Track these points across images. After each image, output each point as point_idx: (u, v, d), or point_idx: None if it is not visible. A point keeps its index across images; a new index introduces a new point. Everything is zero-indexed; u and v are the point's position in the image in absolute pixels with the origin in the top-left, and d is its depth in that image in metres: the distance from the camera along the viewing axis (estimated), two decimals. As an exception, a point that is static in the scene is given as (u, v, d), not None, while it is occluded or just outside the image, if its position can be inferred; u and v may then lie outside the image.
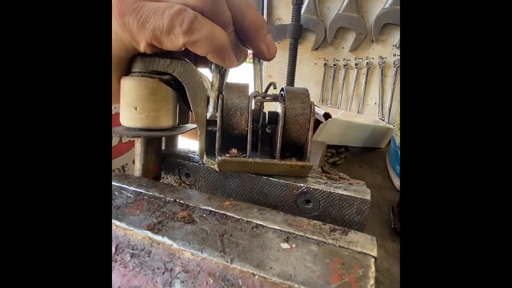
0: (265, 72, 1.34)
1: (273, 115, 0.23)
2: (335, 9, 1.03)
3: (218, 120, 0.19)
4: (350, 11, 0.99)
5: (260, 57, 0.21)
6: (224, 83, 0.21)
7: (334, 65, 1.12)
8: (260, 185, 0.22)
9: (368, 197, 0.19)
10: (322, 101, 1.22)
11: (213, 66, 0.20)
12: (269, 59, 0.21)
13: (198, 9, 0.17)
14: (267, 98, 0.21)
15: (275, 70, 1.27)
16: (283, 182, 0.21)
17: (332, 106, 1.19)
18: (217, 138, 0.19)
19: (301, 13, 1.02)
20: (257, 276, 0.13)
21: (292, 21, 1.01)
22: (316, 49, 1.12)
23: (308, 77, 1.22)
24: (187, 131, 0.22)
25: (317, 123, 0.74)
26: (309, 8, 1.06)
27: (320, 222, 0.16)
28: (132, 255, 0.16)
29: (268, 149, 0.26)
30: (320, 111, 0.78)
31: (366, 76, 1.06)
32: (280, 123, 0.19)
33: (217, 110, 0.19)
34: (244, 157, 0.19)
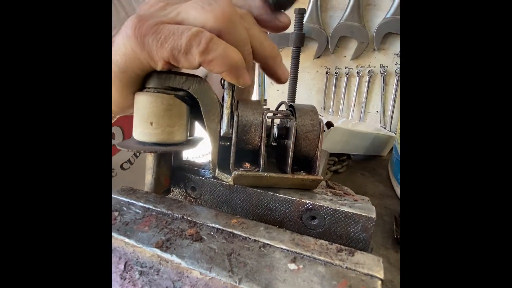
0: (267, 80, 1.35)
1: (283, 130, 0.24)
2: (337, 18, 1.04)
3: (233, 136, 0.19)
4: (352, 21, 1.00)
5: (276, 81, 0.23)
6: (235, 99, 0.21)
7: (336, 73, 1.13)
8: (266, 201, 0.22)
9: (374, 215, 0.20)
10: (324, 109, 1.23)
11: (226, 84, 0.20)
12: (283, 83, 0.23)
13: (215, 31, 0.18)
14: (278, 115, 0.21)
15: (277, 77, 1.28)
16: (288, 198, 0.21)
17: (333, 114, 1.20)
18: (232, 153, 0.20)
19: (304, 22, 1.03)
20: (265, 298, 0.13)
21: (294, 30, 1.02)
22: (318, 57, 1.13)
23: (310, 84, 1.23)
24: (197, 145, 0.23)
25: (319, 131, 0.75)
26: (311, 17, 1.07)
27: (327, 242, 0.17)
28: (141, 273, 0.16)
29: (274, 161, 0.26)
30: (323, 119, 0.78)
31: (368, 84, 1.07)
32: (292, 139, 0.20)
33: (231, 127, 0.20)
34: (258, 171, 0.20)
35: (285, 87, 1.17)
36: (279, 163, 0.24)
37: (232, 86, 0.20)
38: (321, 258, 0.15)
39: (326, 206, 0.21)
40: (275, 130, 0.24)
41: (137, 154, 0.50)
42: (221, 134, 0.20)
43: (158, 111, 0.19)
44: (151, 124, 0.19)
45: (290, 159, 0.20)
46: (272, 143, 0.26)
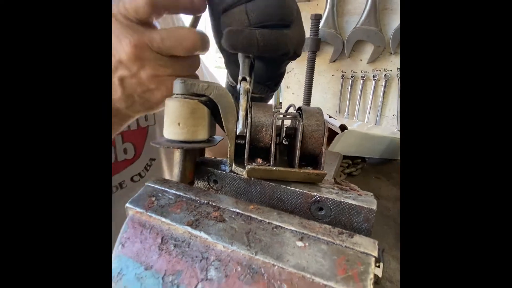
0: (283, 83, 1.38)
1: (291, 130, 0.27)
2: (353, 23, 1.06)
3: (247, 135, 0.22)
4: (368, 25, 1.01)
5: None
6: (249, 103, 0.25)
7: (352, 76, 1.14)
8: (279, 193, 0.25)
9: (374, 207, 0.22)
10: (339, 112, 1.24)
11: (241, 90, 0.23)
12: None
13: None
14: (287, 116, 0.24)
15: (293, 81, 1.30)
16: (299, 191, 0.24)
17: (349, 117, 1.21)
18: (246, 150, 0.23)
19: (320, 27, 1.05)
20: (276, 267, 0.16)
21: (310, 35, 1.04)
22: (334, 61, 1.14)
23: (326, 88, 1.24)
24: (217, 143, 0.26)
25: (333, 134, 0.76)
26: (327, 22, 1.09)
27: (330, 226, 0.19)
28: (175, 246, 0.20)
29: (286, 159, 0.29)
30: (336, 122, 0.80)
31: (384, 87, 1.07)
32: (299, 138, 0.23)
33: (245, 127, 0.23)
34: (268, 165, 0.23)
35: (300, 91, 1.20)
36: (289, 160, 0.27)
37: (247, 92, 0.23)
38: (324, 238, 0.18)
39: (332, 198, 0.23)
40: (285, 131, 0.27)
41: (148, 168, 0.51)
42: (237, 133, 0.23)
43: (184, 114, 0.23)
44: (179, 124, 0.23)
45: (297, 156, 0.22)
46: (284, 142, 0.29)
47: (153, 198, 0.23)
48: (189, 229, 0.20)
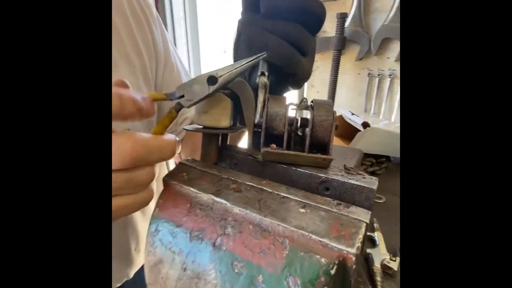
0: (307, 82, 1.39)
1: (304, 121, 0.30)
2: (381, 20, 1.04)
3: (263, 123, 0.26)
4: (396, 22, 0.99)
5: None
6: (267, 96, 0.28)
7: (379, 75, 1.12)
8: (290, 174, 0.29)
9: (375, 187, 0.25)
10: (366, 111, 1.22)
11: (260, 84, 0.27)
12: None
13: None
14: (300, 107, 0.28)
15: (318, 80, 1.31)
16: (308, 172, 0.27)
17: (375, 116, 1.19)
18: (262, 136, 0.27)
19: (346, 25, 1.06)
20: (281, 226, 0.20)
21: (336, 33, 1.05)
22: (360, 59, 1.13)
23: (351, 87, 1.23)
24: (237, 131, 0.30)
25: (355, 131, 0.77)
26: (354, 19, 1.09)
27: (330, 199, 0.22)
28: (200, 209, 0.24)
29: (299, 147, 0.33)
30: (358, 120, 0.80)
31: (413, 86, 1.04)
32: (310, 126, 0.26)
33: (262, 116, 0.26)
34: (282, 150, 0.26)
35: (325, 89, 1.21)
36: (302, 148, 0.31)
37: (265, 86, 0.27)
38: (323, 207, 0.21)
39: (337, 179, 0.26)
40: (300, 121, 0.30)
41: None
42: (255, 122, 0.27)
43: (211, 104, 0.27)
44: (206, 112, 0.27)
45: (307, 142, 0.26)
46: (299, 133, 0.33)
47: (184, 173, 0.28)
48: (212, 196, 0.24)
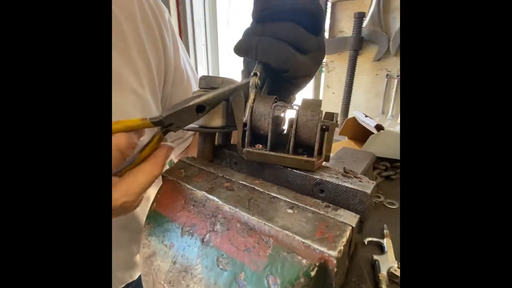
0: (323, 82, 1.37)
1: (291, 121, 0.29)
2: (401, 19, 1.00)
3: (248, 122, 0.26)
4: (418, 21, 0.95)
5: None
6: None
7: (398, 76, 1.08)
8: (286, 175, 0.29)
9: (369, 191, 0.24)
10: (383, 113, 1.18)
11: (251, 83, 0.28)
12: None
13: None
14: (284, 107, 0.27)
15: (334, 80, 1.29)
16: (303, 174, 0.27)
17: (393, 119, 1.14)
18: (246, 136, 0.27)
19: (364, 25, 1.03)
20: (267, 226, 0.20)
21: (353, 33, 1.02)
22: (378, 60, 1.10)
23: (369, 88, 1.20)
24: (228, 130, 0.30)
25: (368, 134, 0.75)
26: (372, 19, 1.06)
27: (320, 201, 0.22)
28: (193, 205, 0.25)
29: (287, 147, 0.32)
30: (371, 122, 0.78)
31: (434, 88, 0.99)
32: (293, 126, 0.25)
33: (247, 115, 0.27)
34: (265, 150, 0.26)
35: (341, 90, 1.18)
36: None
37: (256, 86, 0.27)
38: (311, 209, 0.21)
39: (331, 181, 0.26)
40: (288, 122, 0.30)
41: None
42: (243, 121, 0.27)
43: None
44: None
45: (291, 143, 0.25)
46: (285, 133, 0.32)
47: (182, 170, 0.29)
48: (205, 193, 0.25)
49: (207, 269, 0.21)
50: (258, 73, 0.28)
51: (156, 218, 0.26)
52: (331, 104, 1.30)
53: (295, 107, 0.27)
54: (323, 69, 1.34)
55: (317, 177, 0.27)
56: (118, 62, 0.40)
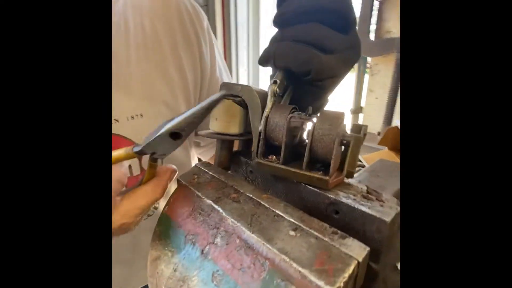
0: (366, 86, 1.28)
1: (308, 133, 0.27)
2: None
3: (262, 133, 0.25)
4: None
5: None
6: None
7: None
8: (299, 190, 0.27)
9: (388, 219, 0.21)
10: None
11: (269, 91, 0.26)
12: None
13: None
14: (301, 118, 0.25)
15: (378, 85, 1.19)
16: (316, 191, 0.25)
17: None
18: (260, 146, 0.26)
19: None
20: (265, 246, 0.19)
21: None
22: (431, 63, 0.98)
23: (418, 93, 1.08)
24: (245, 138, 0.30)
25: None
26: (427, 18, 0.95)
27: (328, 225, 0.20)
28: (200, 214, 0.25)
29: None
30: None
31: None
32: (308, 140, 0.23)
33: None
34: (278, 163, 0.25)
35: (384, 96, 1.09)
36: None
37: (274, 94, 0.26)
38: (315, 233, 0.19)
39: (346, 203, 0.23)
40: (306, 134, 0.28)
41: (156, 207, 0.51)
42: (259, 131, 0.26)
43: (221, 111, 0.28)
44: (216, 119, 0.28)
45: (305, 157, 0.23)
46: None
47: (196, 176, 0.29)
48: (212, 203, 0.24)
49: (203, 282, 0.20)
50: (278, 81, 0.27)
51: (166, 222, 0.26)
52: (374, 110, 1.21)
53: (314, 119, 0.25)
54: (367, 71, 1.25)
55: (331, 196, 0.24)
56: (153, 75, 0.42)
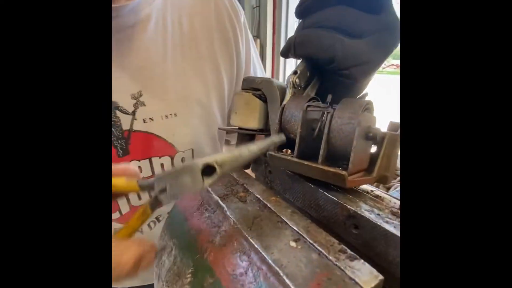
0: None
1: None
2: None
3: (277, 125, 0.23)
4: None
5: None
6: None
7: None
8: (317, 197, 0.24)
9: (417, 244, 0.17)
10: None
11: (287, 83, 0.24)
12: None
13: None
14: (318, 108, 0.22)
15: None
16: (335, 200, 0.22)
17: None
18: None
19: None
20: (261, 254, 0.17)
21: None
22: None
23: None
24: (266, 134, 0.28)
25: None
26: None
27: (337, 241, 0.17)
28: (206, 210, 0.24)
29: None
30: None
31: None
32: (325, 131, 0.20)
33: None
34: (292, 156, 0.22)
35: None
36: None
37: (293, 85, 0.23)
38: (319, 248, 0.17)
39: (368, 218, 0.20)
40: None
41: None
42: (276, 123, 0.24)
43: (240, 104, 0.26)
44: (236, 113, 0.27)
45: (322, 150, 0.20)
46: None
47: (210, 171, 0.28)
48: (218, 200, 0.23)
49: (194, 282, 0.19)
50: (299, 71, 0.25)
51: (175, 213, 0.26)
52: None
53: (334, 107, 0.22)
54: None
55: (351, 208, 0.21)
56: (188, 73, 0.42)
